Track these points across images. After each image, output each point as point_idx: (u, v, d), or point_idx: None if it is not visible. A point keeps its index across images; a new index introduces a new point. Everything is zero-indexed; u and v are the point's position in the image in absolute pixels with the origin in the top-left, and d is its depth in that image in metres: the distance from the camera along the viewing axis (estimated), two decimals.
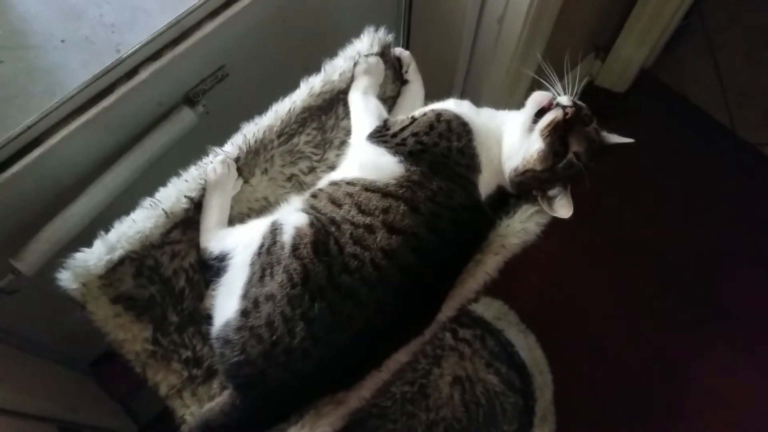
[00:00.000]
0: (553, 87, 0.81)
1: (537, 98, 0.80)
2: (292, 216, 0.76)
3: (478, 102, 0.88)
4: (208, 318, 0.79)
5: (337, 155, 0.91)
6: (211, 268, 0.79)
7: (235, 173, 0.84)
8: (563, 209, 0.79)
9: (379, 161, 0.79)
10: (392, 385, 1.27)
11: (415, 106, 0.90)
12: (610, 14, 1.77)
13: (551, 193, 0.81)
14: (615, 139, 0.81)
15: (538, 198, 0.81)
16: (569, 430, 1.38)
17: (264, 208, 0.86)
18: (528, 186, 0.81)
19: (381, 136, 0.81)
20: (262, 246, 0.74)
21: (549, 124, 0.78)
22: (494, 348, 1.35)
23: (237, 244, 0.77)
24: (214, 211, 0.82)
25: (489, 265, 0.80)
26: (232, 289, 0.74)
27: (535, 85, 0.86)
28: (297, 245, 0.72)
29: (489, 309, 1.39)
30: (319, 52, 0.93)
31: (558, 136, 0.77)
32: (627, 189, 1.77)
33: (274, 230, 0.75)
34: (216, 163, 0.82)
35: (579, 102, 0.80)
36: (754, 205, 1.81)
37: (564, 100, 0.79)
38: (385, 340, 0.76)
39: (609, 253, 1.68)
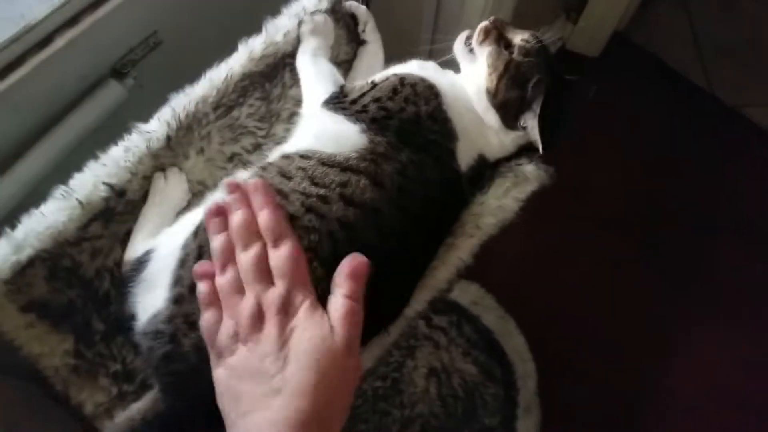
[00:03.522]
0: None
1: (460, 37, 0.80)
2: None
3: (445, 67, 0.79)
4: (132, 318, 0.67)
5: (287, 129, 0.79)
6: (132, 275, 0.68)
7: (185, 184, 0.73)
8: None
9: (337, 131, 0.69)
10: (362, 382, 1.18)
11: (373, 70, 0.79)
12: None
13: (528, 123, 0.73)
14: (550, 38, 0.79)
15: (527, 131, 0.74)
16: (557, 420, 1.32)
17: (201, 193, 0.74)
18: (512, 106, 0.73)
19: (338, 102, 0.72)
20: (199, 227, 0.64)
21: (479, 31, 0.77)
22: (471, 335, 1.28)
23: (163, 238, 0.67)
24: (152, 221, 0.71)
25: (462, 249, 0.71)
26: (158, 279, 0.64)
27: None
28: None
29: (465, 293, 1.31)
30: (267, 12, 0.82)
31: (495, 38, 0.76)
32: (605, 158, 1.71)
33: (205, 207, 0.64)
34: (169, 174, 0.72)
35: None
36: (737, 169, 1.77)
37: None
38: None
39: (588, 226, 1.62)
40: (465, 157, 0.73)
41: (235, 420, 0.52)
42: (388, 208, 0.65)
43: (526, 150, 0.76)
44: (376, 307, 0.66)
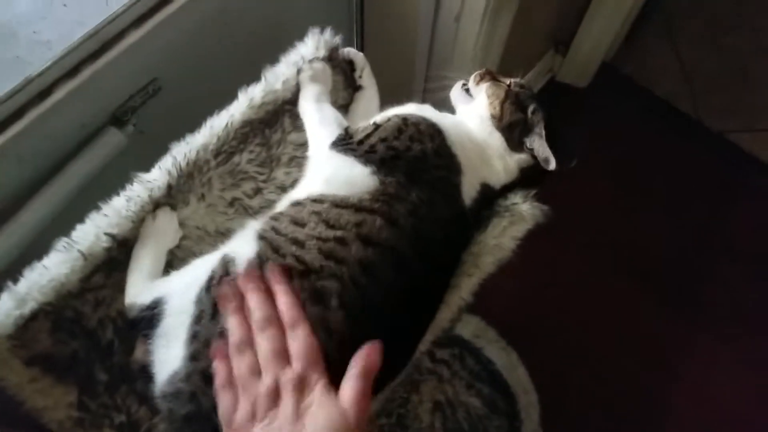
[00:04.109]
0: None
1: (456, 85, 0.86)
2: (243, 248, 0.66)
3: (439, 108, 0.81)
4: (143, 371, 0.67)
5: (287, 173, 0.80)
6: (141, 321, 0.68)
7: (175, 223, 0.74)
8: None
9: (348, 173, 0.70)
10: (375, 422, 1.16)
11: (370, 114, 0.81)
12: (570, 7, 1.74)
13: (534, 144, 0.77)
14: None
15: (535, 152, 0.77)
16: None
17: (201, 239, 0.75)
18: (516, 128, 0.78)
19: (346, 144, 0.73)
20: (212, 279, 0.64)
21: (475, 75, 0.84)
22: (474, 367, 1.27)
23: (174, 287, 0.67)
24: (146, 262, 0.71)
25: (463, 289, 0.72)
26: (173, 336, 0.64)
27: None
28: None
29: (466, 327, 1.31)
30: (266, 61, 0.84)
31: (490, 78, 0.83)
32: (598, 187, 1.72)
33: (226, 262, 0.65)
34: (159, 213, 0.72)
35: None
36: (727, 195, 1.79)
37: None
38: None
39: (585, 254, 1.63)
40: (469, 190, 0.74)
41: None
42: (405, 248, 0.65)
43: (528, 177, 0.78)
44: (395, 351, 0.67)
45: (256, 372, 0.57)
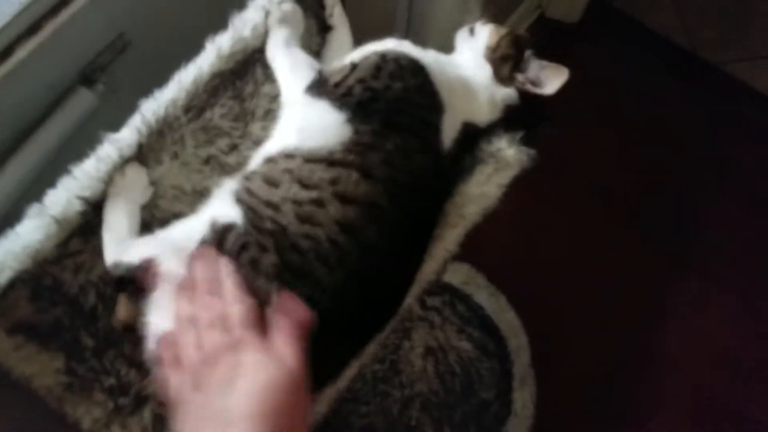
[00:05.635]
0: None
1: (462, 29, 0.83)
2: (227, 211, 0.65)
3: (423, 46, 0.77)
4: (129, 332, 0.67)
5: (263, 127, 0.77)
6: (129, 280, 0.66)
7: (144, 177, 0.71)
8: (556, 76, 0.74)
9: (321, 121, 0.67)
10: (364, 367, 1.18)
11: (342, 56, 0.77)
12: None
13: (531, 72, 0.75)
14: None
15: (525, 83, 0.76)
16: (551, 390, 1.34)
17: (177, 198, 0.73)
18: (509, 61, 0.76)
19: (321, 87, 0.70)
20: (203, 242, 0.63)
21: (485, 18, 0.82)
22: (465, 313, 1.29)
23: (164, 248, 0.65)
24: (122, 219, 0.69)
25: (448, 240, 0.70)
26: (166, 298, 0.63)
27: None
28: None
29: (456, 274, 1.31)
30: (237, 7, 0.79)
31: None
32: (590, 129, 1.68)
33: (218, 228, 0.64)
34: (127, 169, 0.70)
35: None
36: (725, 132, 1.76)
37: None
38: (344, 337, 0.66)
39: (575, 199, 1.62)
40: (449, 131, 0.72)
41: None
42: (383, 202, 0.64)
43: (513, 117, 0.76)
44: (378, 307, 0.66)
45: (200, 346, 0.56)
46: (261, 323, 0.56)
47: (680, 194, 1.68)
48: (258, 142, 0.76)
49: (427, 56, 0.74)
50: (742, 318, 1.53)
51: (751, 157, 1.72)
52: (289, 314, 0.55)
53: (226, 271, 0.59)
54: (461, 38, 0.81)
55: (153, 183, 0.72)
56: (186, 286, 0.60)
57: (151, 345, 0.64)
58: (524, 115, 0.76)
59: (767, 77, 1.82)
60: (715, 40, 1.89)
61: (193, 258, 0.61)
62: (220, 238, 0.63)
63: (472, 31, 0.80)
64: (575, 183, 1.63)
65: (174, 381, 0.56)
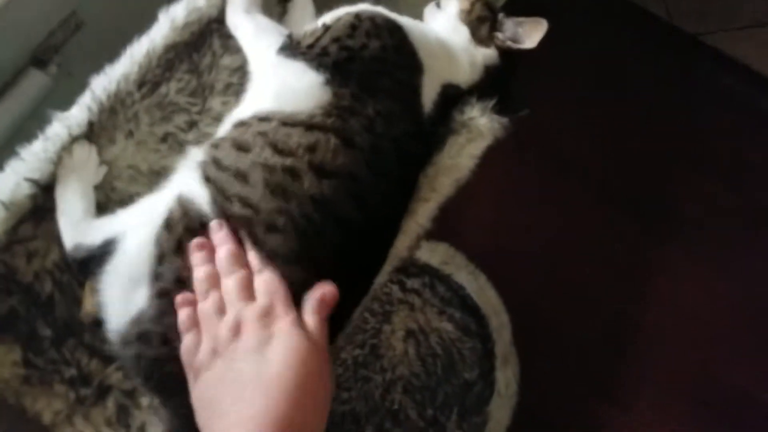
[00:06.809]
0: None
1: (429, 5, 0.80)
2: (193, 186, 0.62)
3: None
4: (96, 324, 0.64)
5: (224, 103, 0.73)
6: (91, 262, 0.63)
7: (95, 156, 0.68)
8: (535, 30, 0.73)
9: (300, 83, 0.64)
10: (341, 351, 1.16)
11: (304, 24, 0.73)
12: None
13: (509, 31, 0.75)
14: None
15: (505, 41, 0.75)
16: (534, 368, 1.33)
17: (134, 179, 0.69)
18: (485, 22, 0.75)
19: (294, 48, 0.67)
20: (169, 220, 0.61)
21: None
22: (445, 294, 1.27)
23: (126, 226, 0.63)
24: (75, 201, 0.65)
25: (420, 215, 0.68)
26: (133, 277, 0.60)
27: None
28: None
29: (434, 254, 1.29)
30: None
31: None
32: (564, 101, 1.65)
33: (183, 202, 0.62)
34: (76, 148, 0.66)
35: None
36: (702, 101, 1.73)
37: None
38: None
39: (551, 175, 1.59)
40: (429, 92, 0.69)
41: (212, 426, 0.52)
42: (363, 173, 0.61)
43: (492, 80, 0.75)
44: (356, 284, 0.64)
45: (221, 311, 0.56)
46: (287, 294, 0.56)
47: (657, 166, 1.66)
48: (218, 118, 0.72)
49: (403, 18, 0.71)
50: (721, 290, 1.53)
51: (729, 127, 1.71)
52: (317, 290, 0.57)
53: (252, 252, 0.59)
54: (430, 13, 0.79)
55: (107, 163, 0.69)
56: (203, 246, 0.59)
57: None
58: (504, 76, 0.76)
59: (746, 48, 1.81)
60: (692, 11, 1.87)
61: (212, 229, 0.60)
62: (184, 210, 0.61)
63: (438, 5, 0.78)
64: (550, 159, 1.61)
65: (186, 340, 0.57)
